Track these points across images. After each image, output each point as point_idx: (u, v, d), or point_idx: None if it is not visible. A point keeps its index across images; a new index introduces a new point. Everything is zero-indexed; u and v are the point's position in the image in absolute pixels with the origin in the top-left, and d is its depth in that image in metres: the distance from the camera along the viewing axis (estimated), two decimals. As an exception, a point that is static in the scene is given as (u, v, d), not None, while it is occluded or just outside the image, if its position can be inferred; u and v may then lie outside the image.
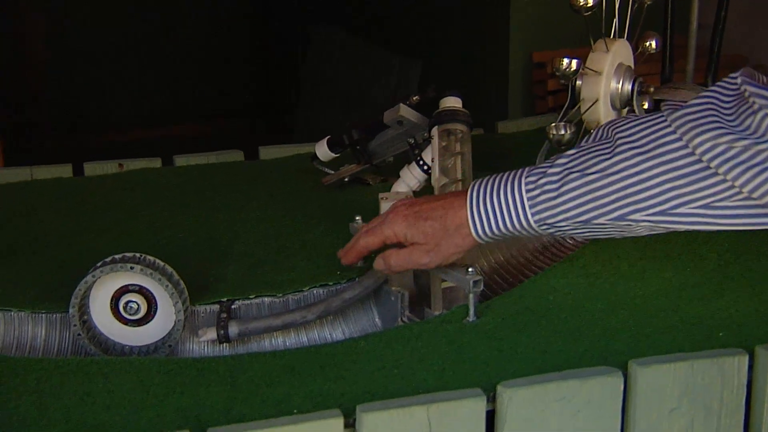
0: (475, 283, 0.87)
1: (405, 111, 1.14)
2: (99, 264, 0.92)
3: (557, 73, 1.06)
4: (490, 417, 0.75)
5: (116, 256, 0.92)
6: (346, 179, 1.29)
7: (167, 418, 0.74)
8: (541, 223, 0.82)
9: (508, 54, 2.08)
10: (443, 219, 0.85)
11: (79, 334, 0.91)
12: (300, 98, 2.13)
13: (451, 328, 0.87)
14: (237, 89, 2.60)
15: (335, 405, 0.75)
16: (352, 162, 1.27)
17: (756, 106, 0.72)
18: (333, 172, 1.29)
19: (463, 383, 0.78)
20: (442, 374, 0.80)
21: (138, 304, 0.93)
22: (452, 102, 1.10)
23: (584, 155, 0.81)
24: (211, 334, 0.93)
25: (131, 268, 0.90)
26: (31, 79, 2.34)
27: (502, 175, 0.85)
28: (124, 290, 0.93)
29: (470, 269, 0.87)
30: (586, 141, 0.84)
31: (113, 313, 0.93)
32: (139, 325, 0.94)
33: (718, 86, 0.77)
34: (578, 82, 1.07)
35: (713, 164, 0.74)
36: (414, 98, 1.16)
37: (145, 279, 0.92)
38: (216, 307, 0.97)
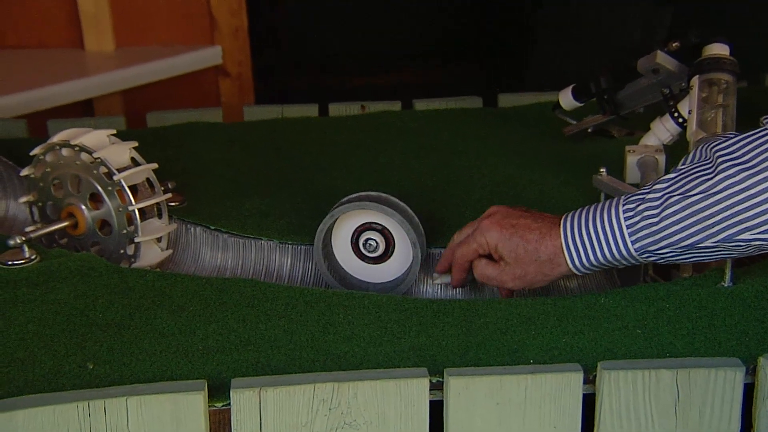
0: (735, 245, 0.80)
1: (662, 58, 1.07)
2: (342, 201, 0.94)
3: None
4: (746, 390, 0.70)
5: (358, 194, 0.95)
6: (589, 130, 1.23)
7: (404, 355, 0.75)
8: (643, 251, 0.78)
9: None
10: (537, 244, 0.83)
11: (321, 268, 0.95)
12: (536, 45, 2.08)
13: (703, 292, 0.81)
14: (472, 34, 2.60)
15: (573, 359, 0.73)
16: (597, 112, 1.21)
17: None
18: (575, 122, 1.24)
19: (716, 351, 0.73)
20: (692, 339, 0.75)
21: (377, 242, 0.95)
22: (718, 49, 1.01)
23: (684, 177, 0.76)
24: (446, 277, 0.93)
25: (372, 206, 0.92)
26: (280, 24, 2.47)
27: (596, 205, 0.82)
28: (365, 228, 0.95)
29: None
30: (683, 164, 0.79)
31: (353, 250, 0.96)
32: (377, 263, 0.96)
33: None
34: None
35: None
36: (673, 45, 1.08)
37: (385, 218, 0.93)
38: (451, 251, 0.96)
